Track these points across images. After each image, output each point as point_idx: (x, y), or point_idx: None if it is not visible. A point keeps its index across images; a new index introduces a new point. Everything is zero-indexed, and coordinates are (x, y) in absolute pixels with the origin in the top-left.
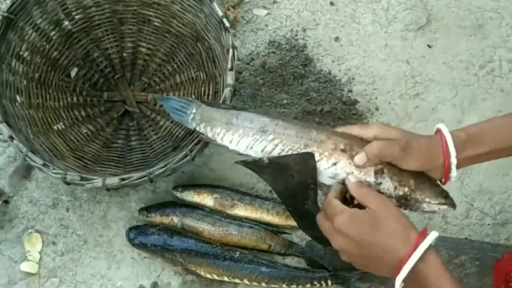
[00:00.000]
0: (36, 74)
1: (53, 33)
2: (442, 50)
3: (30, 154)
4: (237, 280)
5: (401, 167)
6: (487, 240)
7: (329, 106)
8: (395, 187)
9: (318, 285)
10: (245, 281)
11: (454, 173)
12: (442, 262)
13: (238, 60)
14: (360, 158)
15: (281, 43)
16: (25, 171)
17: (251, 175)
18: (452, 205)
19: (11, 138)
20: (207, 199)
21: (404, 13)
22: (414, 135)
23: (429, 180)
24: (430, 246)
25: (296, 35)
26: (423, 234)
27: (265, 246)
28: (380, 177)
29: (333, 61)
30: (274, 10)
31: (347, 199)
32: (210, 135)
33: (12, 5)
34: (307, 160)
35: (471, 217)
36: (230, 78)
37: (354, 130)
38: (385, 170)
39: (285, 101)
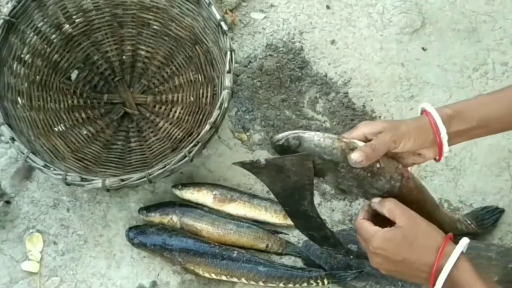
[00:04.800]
0: (37, 77)
1: (54, 36)
2: (436, 53)
3: (31, 155)
4: (234, 279)
5: (397, 152)
6: (480, 239)
7: None
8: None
9: (314, 284)
10: (243, 280)
11: (446, 148)
12: (474, 268)
13: (236, 62)
14: (357, 155)
15: (278, 46)
16: (26, 172)
17: (248, 176)
18: None
19: (13, 139)
20: (206, 196)
21: (399, 16)
22: (403, 120)
23: None
24: (461, 253)
25: (293, 38)
26: (447, 241)
27: (263, 246)
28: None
29: (329, 64)
30: (271, 14)
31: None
32: None
33: (13, 9)
34: (303, 161)
35: None
36: (228, 81)
37: (345, 134)
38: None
39: (282, 103)
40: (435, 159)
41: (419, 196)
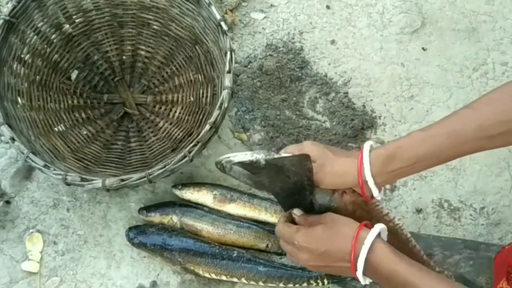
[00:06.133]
0: (37, 77)
1: (54, 36)
2: (436, 53)
3: (31, 155)
4: (234, 279)
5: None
6: (481, 240)
7: None
8: None
9: (314, 284)
10: (243, 280)
11: (375, 192)
12: (392, 248)
13: (236, 62)
14: None
15: (278, 46)
16: (26, 172)
17: None
18: None
19: (13, 139)
20: (206, 196)
21: (399, 16)
22: (334, 157)
23: None
24: (377, 237)
25: (293, 38)
26: (361, 227)
27: (263, 246)
28: None
29: (329, 64)
30: (271, 14)
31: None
32: None
33: (13, 8)
34: (303, 162)
35: (465, 217)
36: (228, 81)
37: (289, 148)
38: None
39: (282, 103)
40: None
41: (357, 212)
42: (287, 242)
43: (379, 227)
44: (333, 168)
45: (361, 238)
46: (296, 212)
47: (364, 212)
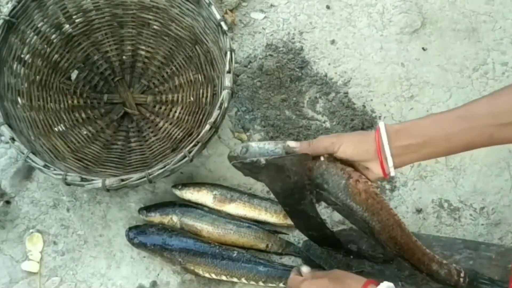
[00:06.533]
0: (37, 77)
1: (54, 36)
2: (436, 53)
3: (31, 155)
4: (234, 279)
5: (340, 157)
6: (481, 240)
7: None
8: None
9: None
10: (243, 280)
11: (390, 161)
12: None
13: (236, 63)
14: (293, 143)
15: (278, 46)
16: (26, 172)
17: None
18: None
19: (13, 139)
20: (206, 196)
21: (399, 16)
22: (351, 132)
23: None
24: None
25: (293, 38)
26: (368, 284)
27: (263, 246)
28: None
29: (329, 64)
30: (271, 14)
31: None
32: None
33: (13, 9)
34: (303, 161)
35: (465, 217)
36: (228, 81)
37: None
38: None
39: (282, 103)
40: (386, 175)
41: (369, 201)
42: None
43: (385, 285)
44: (350, 135)
45: None
46: (304, 270)
47: (375, 202)
